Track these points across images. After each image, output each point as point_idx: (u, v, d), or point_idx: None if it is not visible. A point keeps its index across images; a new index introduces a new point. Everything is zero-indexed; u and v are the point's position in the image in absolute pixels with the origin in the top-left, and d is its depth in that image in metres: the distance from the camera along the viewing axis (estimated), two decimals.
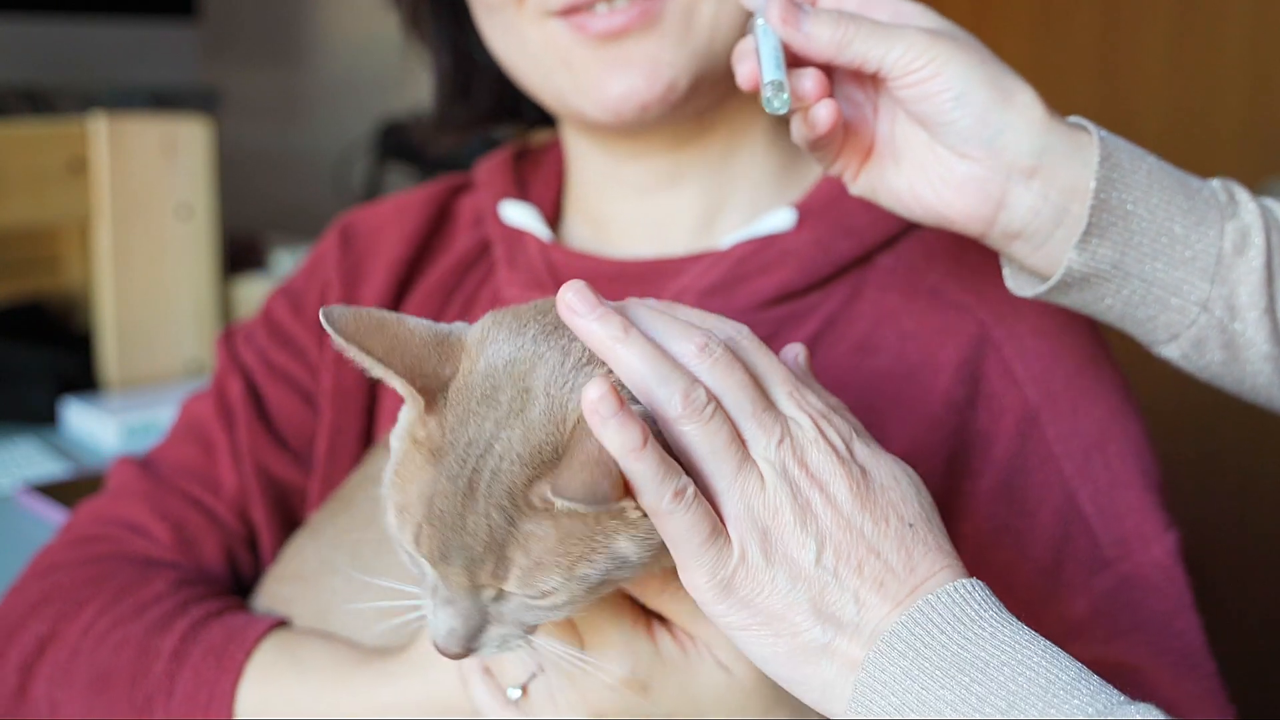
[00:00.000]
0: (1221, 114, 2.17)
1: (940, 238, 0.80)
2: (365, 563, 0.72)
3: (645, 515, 0.50)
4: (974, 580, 0.53)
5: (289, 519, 0.85)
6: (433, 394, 0.50)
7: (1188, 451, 1.95)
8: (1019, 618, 0.72)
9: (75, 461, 1.46)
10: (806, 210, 0.82)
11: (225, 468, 0.85)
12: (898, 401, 0.76)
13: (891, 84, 0.62)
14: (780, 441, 0.51)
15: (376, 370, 0.52)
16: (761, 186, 0.85)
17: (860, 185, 0.68)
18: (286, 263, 1.90)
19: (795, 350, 0.59)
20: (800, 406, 0.53)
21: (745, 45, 0.64)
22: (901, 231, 0.81)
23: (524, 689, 0.59)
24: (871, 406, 0.74)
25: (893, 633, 0.50)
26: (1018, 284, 0.68)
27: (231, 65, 2.22)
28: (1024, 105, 0.61)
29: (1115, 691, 0.50)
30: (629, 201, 0.87)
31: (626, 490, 0.48)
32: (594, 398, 0.46)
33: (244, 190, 1.99)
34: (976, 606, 0.51)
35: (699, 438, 0.49)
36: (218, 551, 0.82)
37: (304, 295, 0.92)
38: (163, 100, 1.84)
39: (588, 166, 0.88)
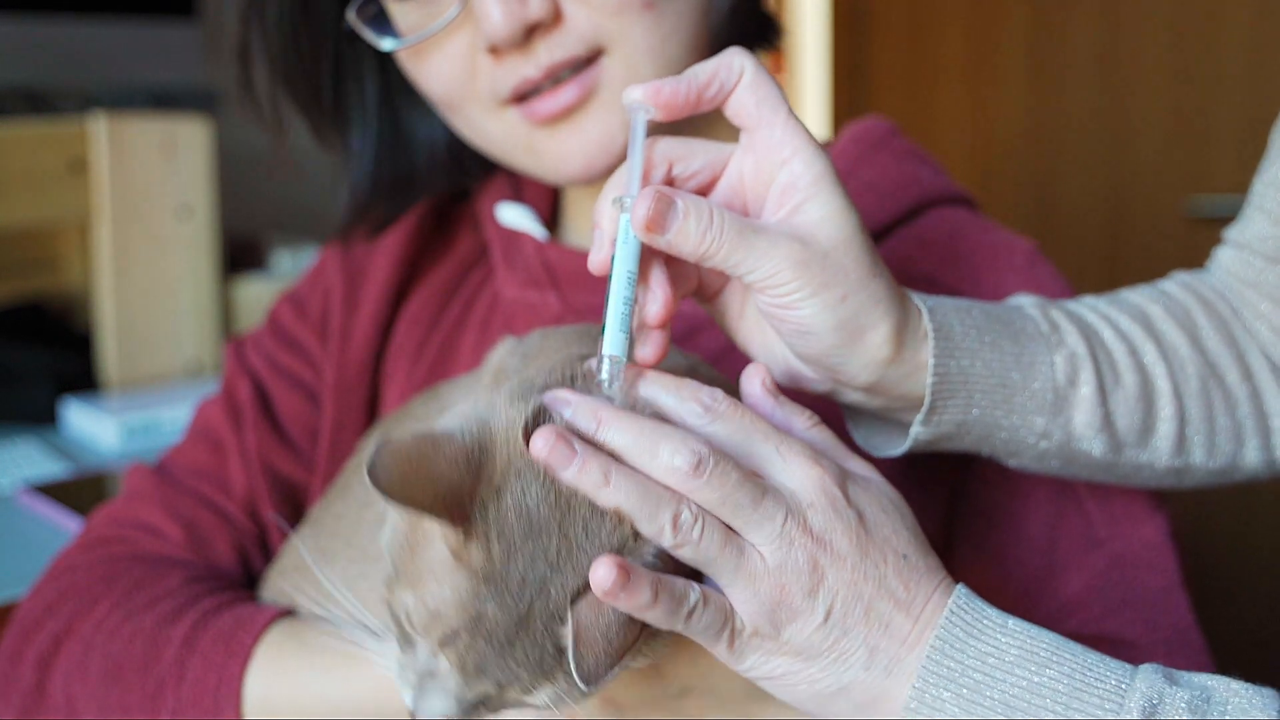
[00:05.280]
0: (1223, 114, 2.17)
1: (934, 228, 0.81)
2: (362, 546, 0.72)
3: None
4: (960, 588, 0.56)
5: (297, 517, 0.86)
6: (470, 519, 0.52)
7: None
8: (1018, 595, 0.75)
9: (75, 461, 1.46)
10: None
11: (235, 468, 0.86)
12: None
13: (749, 288, 0.59)
14: (783, 523, 0.52)
15: (424, 517, 0.53)
16: None
17: (707, 309, 0.66)
18: (287, 263, 1.90)
19: (759, 376, 0.58)
20: (793, 468, 0.54)
21: (603, 228, 0.59)
22: (895, 222, 0.81)
23: None
24: None
25: (928, 657, 0.53)
26: (864, 437, 0.68)
27: (231, 65, 2.22)
28: (872, 345, 0.59)
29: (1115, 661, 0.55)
30: None
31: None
32: (599, 580, 0.49)
33: (244, 190, 1.99)
34: (975, 614, 0.54)
35: (694, 554, 0.52)
36: (229, 549, 0.83)
37: (307, 299, 0.94)
38: (163, 100, 1.84)
39: None
